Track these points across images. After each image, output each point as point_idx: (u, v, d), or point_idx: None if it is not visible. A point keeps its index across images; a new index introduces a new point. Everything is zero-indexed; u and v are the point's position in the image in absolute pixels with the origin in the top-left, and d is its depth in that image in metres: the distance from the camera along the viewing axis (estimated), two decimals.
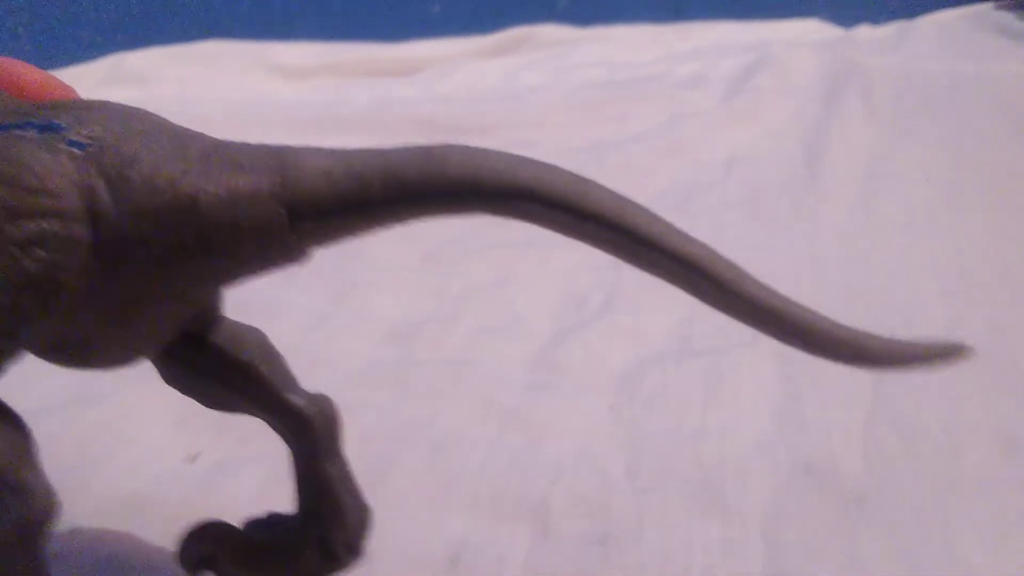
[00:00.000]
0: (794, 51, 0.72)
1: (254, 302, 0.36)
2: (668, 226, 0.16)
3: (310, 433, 0.19)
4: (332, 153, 0.16)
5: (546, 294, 0.37)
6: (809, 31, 0.86)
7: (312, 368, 0.31)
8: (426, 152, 0.16)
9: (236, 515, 0.21)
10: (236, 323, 0.19)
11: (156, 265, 0.15)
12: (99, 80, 0.69)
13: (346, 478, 0.20)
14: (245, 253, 0.16)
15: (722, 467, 0.25)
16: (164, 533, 0.22)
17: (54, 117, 0.16)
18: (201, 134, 0.17)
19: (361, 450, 0.27)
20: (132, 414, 0.28)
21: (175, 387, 0.19)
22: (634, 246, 0.16)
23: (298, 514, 0.20)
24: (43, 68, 0.22)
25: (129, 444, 0.27)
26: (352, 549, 0.20)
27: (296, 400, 0.19)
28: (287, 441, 0.19)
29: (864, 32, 0.85)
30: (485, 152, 0.16)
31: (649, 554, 0.22)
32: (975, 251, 0.39)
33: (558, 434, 0.28)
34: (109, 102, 0.18)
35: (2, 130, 0.16)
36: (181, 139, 0.16)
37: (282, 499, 0.21)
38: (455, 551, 0.23)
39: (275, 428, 0.19)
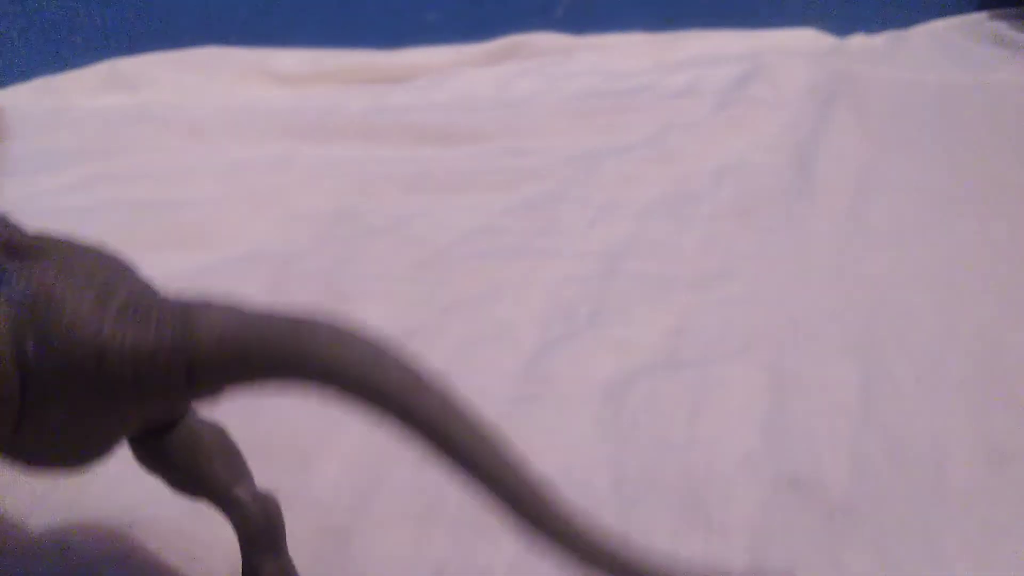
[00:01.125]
0: (787, 60, 0.72)
1: None
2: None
3: (250, 527, 0.20)
4: (232, 316, 0.18)
5: (534, 304, 0.37)
6: (803, 40, 0.86)
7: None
8: (294, 330, 0.18)
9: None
10: (198, 420, 0.21)
11: (72, 403, 0.18)
12: (94, 87, 0.69)
13: (289, 571, 0.21)
14: (148, 400, 0.18)
15: (708, 480, 0.25)
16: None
17: (3, 265, 0.18)
18: (131, 278, 0.19)
19: (347, 468, 0.27)
20: None
21: (144, 467, 0.21)
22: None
23: None
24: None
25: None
26: None
27: (241, 495, 0.20)
28: (235, 532, 0.21)
29: (858, 41, 0.86)
30: (345, 343, 0.18)
31: None
32: (966, 261, 0.39)
33: (544, 449, 0.27)
34: (63, 243, 0.19)
35: None
36: (107, 290, 0.18)
37: None
38: (439, 568, 0.22)
39: (227, 518, 0.21)
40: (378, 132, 0.60)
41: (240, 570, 0.21)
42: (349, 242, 0.43)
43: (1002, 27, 0.86)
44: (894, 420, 0.28)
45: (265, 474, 0.26)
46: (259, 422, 0.29)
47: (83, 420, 0.18)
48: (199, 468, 0.20)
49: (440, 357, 0.33)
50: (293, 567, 0.21)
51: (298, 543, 0.23)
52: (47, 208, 0.45)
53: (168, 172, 0.52)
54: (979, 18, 0.90)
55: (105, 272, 0.19)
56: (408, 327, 0.35)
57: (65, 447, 0.19)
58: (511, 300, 0.37)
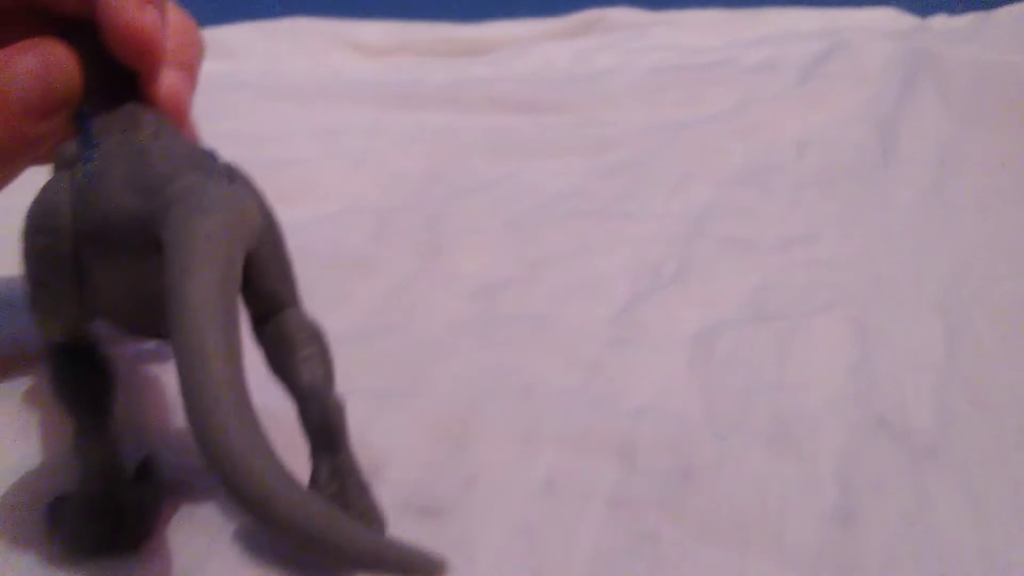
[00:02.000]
0: (868, 38, 0.72)
1: (349, 260, 0.38)
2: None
3: (306, 423, 0.21)
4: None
5: (622, 261, 0.38)
6: (883, 19, 0.86)
7: (404, 320, 0.34)
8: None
9: None
10: (297, 317, 0.22)
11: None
12: None
13: (342, 472, 0.21)
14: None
15: (796, 418, 0.27)
16: None
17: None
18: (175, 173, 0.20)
19: (453, 390, 0.29)
20: None
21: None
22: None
23: None
24: None
25: None
26: None
27: (304, 391, 0.21)
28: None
29: (940, 22, 0.85)
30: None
31: (729, 488, 0.24)
32: None
33: (638, 383, 0.29)
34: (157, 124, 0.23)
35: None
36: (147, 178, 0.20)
37: None
38: (549, 476, 0.24)
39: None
40: (462, 102, 0.62)
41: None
42: (442, 201, 0.45)
43: None
44: (978, 372, 0.29)
45: (381, 384, 0.29)
46: (380, 340, 0.31)
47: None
48: (279, 359, 0.22)
49: (533, 305, 0.35)
50: (349, 469, 0.21)
51: (411, 449, 0.26)
52: None
53: (266, 134, 0.55)
54: None
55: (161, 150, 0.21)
56: (502, 278, 0.37)
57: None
58: (599, 256, 0.39)
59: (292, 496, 0.15)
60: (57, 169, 0.21)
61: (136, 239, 0.19)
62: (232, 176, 0.21)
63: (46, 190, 0.21)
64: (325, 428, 0.21)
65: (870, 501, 0.23)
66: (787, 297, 0.34)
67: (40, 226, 0.20)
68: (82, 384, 0.21)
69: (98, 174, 0.20)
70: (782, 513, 0.23)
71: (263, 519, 0.15)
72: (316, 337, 0.22)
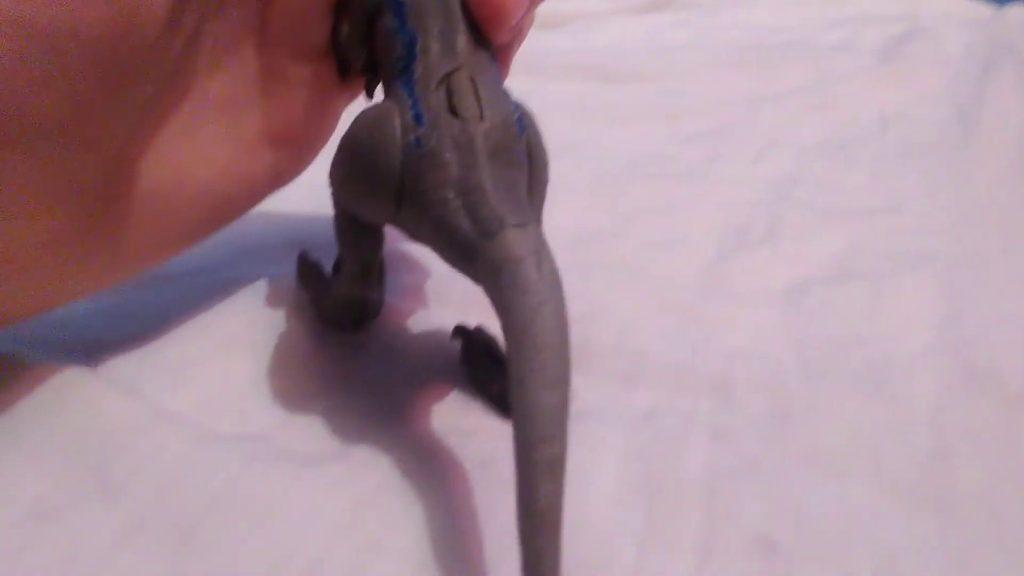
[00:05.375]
0: (946, 24, 0.72)
1: None
2: None
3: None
4: None
5: (708, 220, 0.40)
6: (959, 7, 0.85)
7: None
8: None
9: None
10: None
11: None
12: None
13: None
14: None
15: (889, 366, 0.28)
16: None
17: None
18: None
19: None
20: None
21: None
22: None
23: None
24: None
25: None
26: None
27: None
28: None
29: (1016, 13, 0.84)
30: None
31: (824, 429, 0.25)
32: None
33: (731, 330, 0.30)
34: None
35: None
36: None
37: None
38: (649, 408, 0.26)
39: None
40: (540, 69, 0.63)
41: None
42: None
43: None
44: None
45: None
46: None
47: None
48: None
49: (622, 257, 0.36)
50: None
51: None
52: None
53: None
54: None
55: None
56: (591, 231, 0.38)
57: None
58: (686, 215, 0.40)
59: None
60: (387, 94, 0.23)
61: (458, 251, 0.21)
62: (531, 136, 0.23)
63: (385, 114, 0.22)
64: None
65: (964, 442, 0.24)
66: (875, 259, 0.35)
67: (376, 145, 0.21)
68: (360, 237, 0.24)
69: (429, 154, 0.21)
70: (878, 450, 0.24)
71: None
72: None
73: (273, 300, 0.28)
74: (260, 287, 0.29)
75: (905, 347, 0.29)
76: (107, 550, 0.19)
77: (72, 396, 0.22)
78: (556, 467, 0.18)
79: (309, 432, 0.24)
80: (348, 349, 0.27)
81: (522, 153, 0.22)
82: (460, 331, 0.27)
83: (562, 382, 0.19)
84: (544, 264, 0.20)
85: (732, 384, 0.27)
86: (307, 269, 0.28)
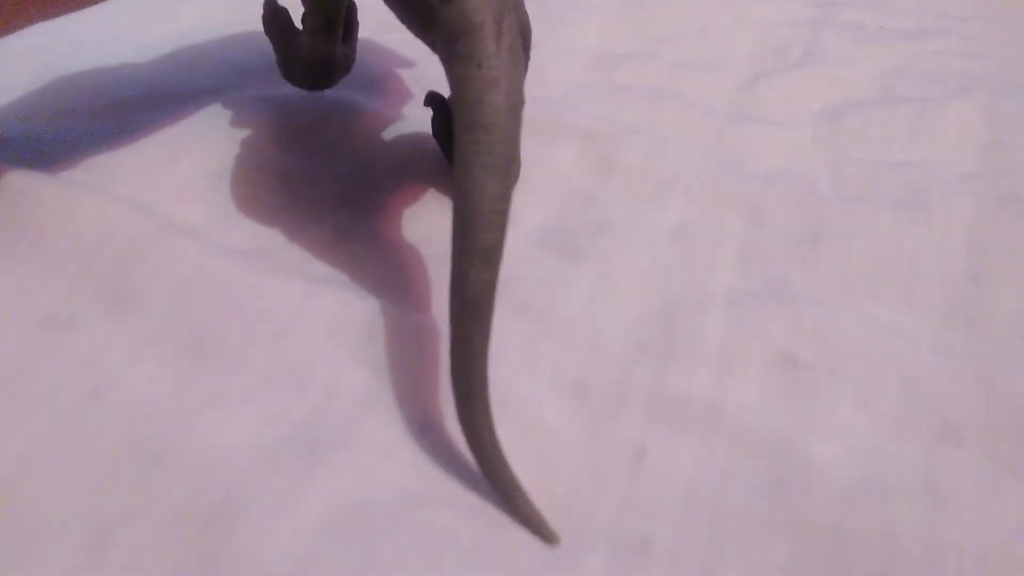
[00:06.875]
0: None
1: None
2: None
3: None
4: None
5: (744, 42, 0.37)
6: None
7: (527, 84, 0.34)
8: None
9: None
10: None
11: None
12: None
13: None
14: None
15: (926, 189, 0.27)
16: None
17: None
18: None
19: (583, 147, 0.29)
20: None
21: None
22: None
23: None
24: None
25: None
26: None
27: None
28: None
29: None
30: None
31: (859, 249, 0.24)
32: None
33: (764, 152, 0.29)
34: None
35: None
36: None
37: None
38: (677, 225, 0.25)
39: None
40: None
41: None
42: None
43: None
44: None
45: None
46: None
47: None
48: None
49: (654, 77, 0.34)
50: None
51: (543, 200, 0.26)
52: None
53: None
54: None
55: None
56: (622, 51, 0.36)
57: None
58: (721, 36, 0.38)
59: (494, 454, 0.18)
60: None
61: (416, 13, 0.19)
62: None
63: None
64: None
65: (1000, 265, 0.24)
66: (917, 82, 0.33)
67: None
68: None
69: None
70: (912, 271, 0.24)
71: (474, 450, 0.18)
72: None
73: (273, 121, 0.27)
74: (262, 104, 0.28)
75: (944, 171, 0.28)
76: (123, 361, 0.19)
77: (80, 210, 0.22)
78: (492, 254, 0.17)
79: (317, 252, 0.23)
80: (349, 167, 0.27)
81: None
82: (432, 99, 0.25)
83: (506, 167, 0.18)
84: (505, 36, 0.18)
85: (764, 204, 0.26)
86: (274, 17, 0.26)
